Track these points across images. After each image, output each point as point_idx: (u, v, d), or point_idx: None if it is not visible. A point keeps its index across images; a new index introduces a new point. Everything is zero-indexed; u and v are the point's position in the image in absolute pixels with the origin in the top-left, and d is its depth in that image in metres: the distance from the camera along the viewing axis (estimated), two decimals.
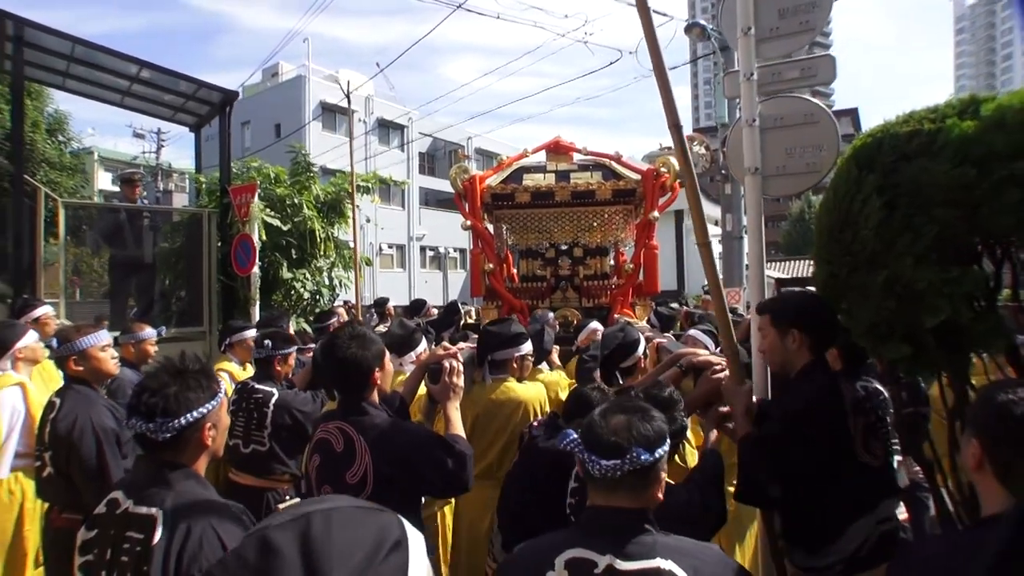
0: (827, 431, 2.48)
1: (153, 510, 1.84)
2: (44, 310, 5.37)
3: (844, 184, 2.52)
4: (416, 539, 1.04)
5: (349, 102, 12.48)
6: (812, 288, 3.11)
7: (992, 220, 2.14)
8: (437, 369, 3.12)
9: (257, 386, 4.34)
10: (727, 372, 2.91)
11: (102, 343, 3.65)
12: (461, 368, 3.11)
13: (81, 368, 3.55)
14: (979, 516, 1.92)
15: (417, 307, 10.04)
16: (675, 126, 2.59)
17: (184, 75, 8.22)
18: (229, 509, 1.94)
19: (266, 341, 4.49)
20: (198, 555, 1.76)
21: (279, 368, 4.48)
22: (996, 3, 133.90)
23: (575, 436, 1.84)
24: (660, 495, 1.84)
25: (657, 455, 1.77)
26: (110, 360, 3.71)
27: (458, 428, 2.91)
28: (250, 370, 5.08)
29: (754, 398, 2.94)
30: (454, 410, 2.99)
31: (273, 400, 4.25)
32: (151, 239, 8.51)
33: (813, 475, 2.45)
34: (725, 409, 2.90)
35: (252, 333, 5.39)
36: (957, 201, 2.16)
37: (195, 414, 1.95)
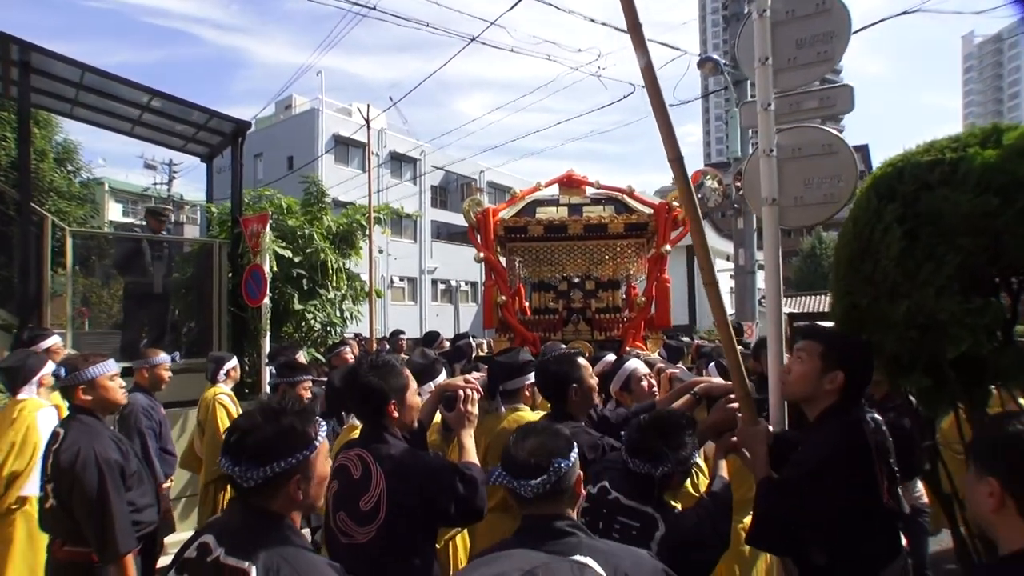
0: (853, 480, 2.37)
1: (245, 564, 1.70)
2: (53, 340, 5.40)
3: (864, 214, 2.50)
4: None
5: (368, 127, 12.55)
6: (828, 323, 3.05)
7: (1014, 249, 2.10)
8: (452, 397, 3.11)
9: None
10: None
11: (110, 372, 3.58)
12: (476, 397, 3.11)
13: (89, 398, 3.48)
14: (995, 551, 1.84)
15: (430, 339, 9.99)
16: (676, 160, 2.52)
17: (196, 104, 8.10)
18: (327, 567, 1.80)
19: (271, 369, 4.57)
20: None
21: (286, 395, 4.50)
22: (1004, 41, 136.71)
23: (500, 471, 1.99)
24: (581, 493, 2.04)
25: (573, 457, 1.96)
26: (118, 390, 3.64)
27: (472, 455, 2.91)
28: None
29: (770, 428, 2.88)
30: (468, 437, 2.99)
31: None
32: (161, 269, 8.38)
33: (838, 525, 2.35)
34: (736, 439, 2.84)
35: (235, 362, 6.02)
36: (980, 230, 2.13)
37: (283, 464, 1.78)
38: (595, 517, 2.45)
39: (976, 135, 2.30)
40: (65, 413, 3.98)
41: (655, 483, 2.42)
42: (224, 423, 5.41)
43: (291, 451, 1.80)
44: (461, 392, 3.07)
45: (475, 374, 4.09)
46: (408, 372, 2.88)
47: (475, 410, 3.08)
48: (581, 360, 3.45)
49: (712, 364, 4.76)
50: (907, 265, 2.28)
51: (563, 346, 6.21)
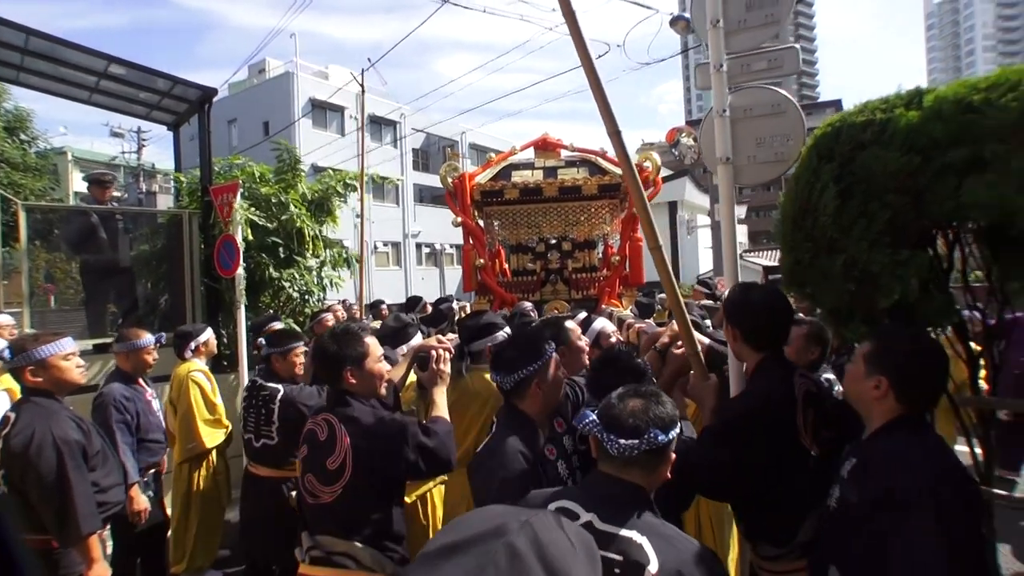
0: (765, 435, 2.45)
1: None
2: (1, 319, 5.26)
3: (805, 173, 2.61)
4: None
5: (362, 86, 12.39)
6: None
7: (935, 206, 2.23)
8: (425, 357, 3.23)
9: (264, 383, 4.48)
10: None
11: (65, 351, 3.38)
12: (447, 356, 3.22)
13: (40, 379, 3.30)
14: None
15: (413, 303, 10.06)
16: (614, 133, 2.67)
17: (157, 71, 7.78)
18: (520, 456, 2.44)
19: (260, 340, 4.72)
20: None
21: (277, 365, 4.55)
22: (958, 1, 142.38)
23: (593, 417, 1.94)
24: (668, 474, 1.93)
25: (671, 436, 1.88)
26: (75, 369, 3.43)
27: (442, 411, 3.05)
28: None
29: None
30: (440, 395, 3.13)
31: (279, 396, 4.38)
32: (127, 242, 8.02)
33: (758, 477, 2.46)
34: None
35: (207, 336, 5.61)
36: (906, 188, 2.26)
37: (525, 371, 2.57)
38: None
39: (902, 97, 2.41)
40: (18, 396, 3.76)
41: None
42: (199, 402, 5.19)
43: (531, 360, 2.60)
44: (433, 352, 3.19)
45: (450, 335, 4.19)
46: (370, 341, 2.93)
47: (447, 368, 3.20)
48: (569, 324, 3.55)
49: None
50: (842, 222, 2.40)
51: (529, 305, 6.33)
